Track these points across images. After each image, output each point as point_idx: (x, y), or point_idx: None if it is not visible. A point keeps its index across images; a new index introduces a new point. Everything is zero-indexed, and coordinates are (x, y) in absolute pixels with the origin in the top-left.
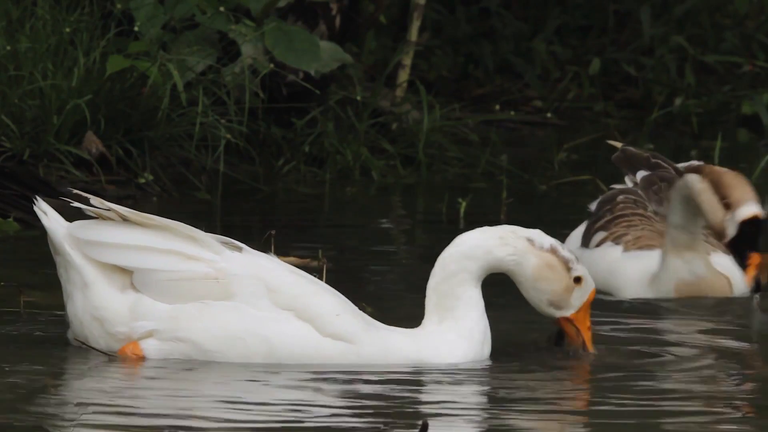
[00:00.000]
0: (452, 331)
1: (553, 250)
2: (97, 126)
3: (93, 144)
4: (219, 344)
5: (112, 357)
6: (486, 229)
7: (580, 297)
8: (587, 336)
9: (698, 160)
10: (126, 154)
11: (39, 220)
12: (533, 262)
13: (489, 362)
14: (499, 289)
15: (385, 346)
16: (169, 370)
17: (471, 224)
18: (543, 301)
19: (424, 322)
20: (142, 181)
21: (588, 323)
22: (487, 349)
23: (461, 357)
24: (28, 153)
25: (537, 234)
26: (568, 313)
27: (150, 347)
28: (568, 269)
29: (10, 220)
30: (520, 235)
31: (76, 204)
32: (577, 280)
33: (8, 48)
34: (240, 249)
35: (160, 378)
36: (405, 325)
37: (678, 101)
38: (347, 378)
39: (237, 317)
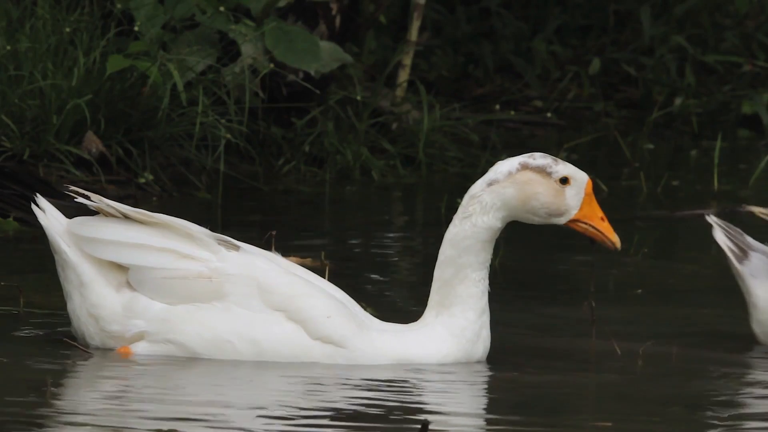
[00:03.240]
0: (444, 327)
1: (524, 166)
2: (97, 126)
3: (93, 144)
4: (208, 347)
5: (108, 356)
6: (454, 219)
7: (576, 195)
8: (604, 227)
9: (698, 159)
10: (126, 154)
11: (38, 219)
12: (512, 194)
13: (489, 364)
14: (510, 289)
15: (373, 348)
16: (167, 370)
17: None
18: (542, 216)
19: (425, 314)
20: (142, 181)
21: (599, 214)
22: (481, 348)
23: (448, 356)
24: (28, 153)
25: (496, 170)
26: (571, 215)
27: (141, 349)
28: (548, 174)
29: (10, 219)
30: (481, 191)
31: (80, 199)
32: (564, 180)
33: (8, 48)
34: (237, 248)
35: (159, 378)
36: (404, 322)
37: (678, 101)
38: (342, 379)
39: (226, 319)
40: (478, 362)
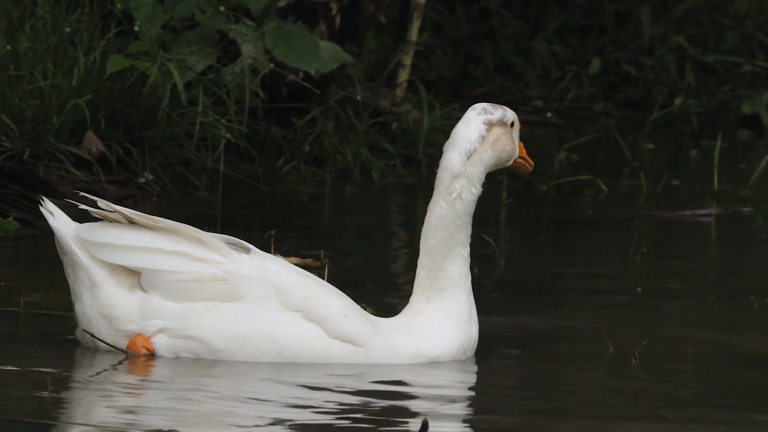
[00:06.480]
0: (440, 312)
1: (490, 124)
2: (97, 126)
3: (93, 144)
4: (229, 344)
5: (113, 355)
6: (439, 201)
7: (516, 134)
8: (526, 154)
9: (698, 159)
10: (126, 153)
11: (39, 220)
12: (490, 155)
13: (487, 363)
14: (503, 290)
15: (391, 347)
16: (170, 369)
17: (472, 225)
18: (504, 164)
19: (412, 300)
20: (142, 180)
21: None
22: (475, 327)
23: (455, 339)
24: (28, 153)
25: (467, 138)
26: (517, 153)
27: (161, 343)
28: (505, 123)
29: (10, 219)
30: (462, 166)
31: (83, 206)
32: (512, 124)
33: (8, 48)
34: (248, 250)
35: (161, 378)
36: None
37: (678, 101)
38: (341, 379)
39: (247, 318)
40: (473, 357)
